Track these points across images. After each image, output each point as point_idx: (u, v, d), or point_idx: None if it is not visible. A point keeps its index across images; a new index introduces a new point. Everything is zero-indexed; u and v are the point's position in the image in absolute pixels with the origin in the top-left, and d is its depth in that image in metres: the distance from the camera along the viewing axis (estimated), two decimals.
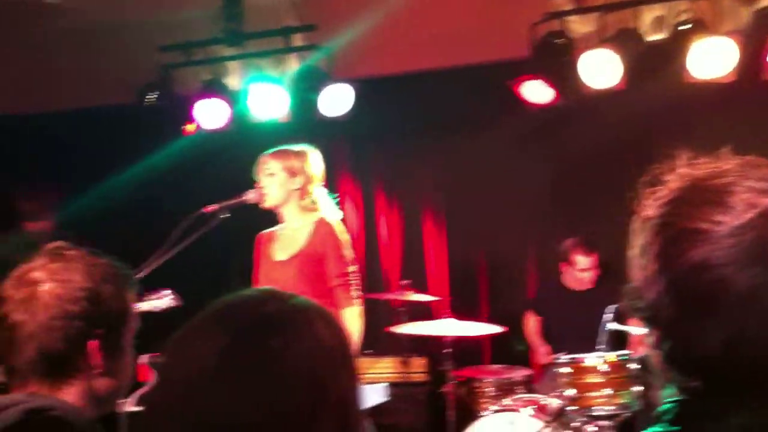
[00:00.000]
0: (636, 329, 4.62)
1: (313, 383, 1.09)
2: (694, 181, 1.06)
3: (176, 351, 1.13)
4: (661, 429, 1.07)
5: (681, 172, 1.08)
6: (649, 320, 1.09)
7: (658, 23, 5.31)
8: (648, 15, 5.34)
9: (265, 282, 4.34)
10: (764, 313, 0.99)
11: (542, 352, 5.51)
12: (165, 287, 4.56)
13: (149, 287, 4.44)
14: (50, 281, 1.72)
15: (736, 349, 1.00)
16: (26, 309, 1.71)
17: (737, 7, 5.13)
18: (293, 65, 5.87)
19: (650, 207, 1.08)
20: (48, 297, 1.71)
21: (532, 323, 5.69)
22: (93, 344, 1.73)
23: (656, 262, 1.05)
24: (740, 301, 0.99)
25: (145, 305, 4.51)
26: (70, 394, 1.72)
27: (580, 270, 5.35)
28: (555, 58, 5.32)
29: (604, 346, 4.54)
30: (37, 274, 1.74)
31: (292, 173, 4.28)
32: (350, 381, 1.15)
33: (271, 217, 4.39)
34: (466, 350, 5.51)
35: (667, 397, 1.09)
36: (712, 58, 4.96)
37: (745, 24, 5.05)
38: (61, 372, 1.72)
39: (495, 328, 4.94)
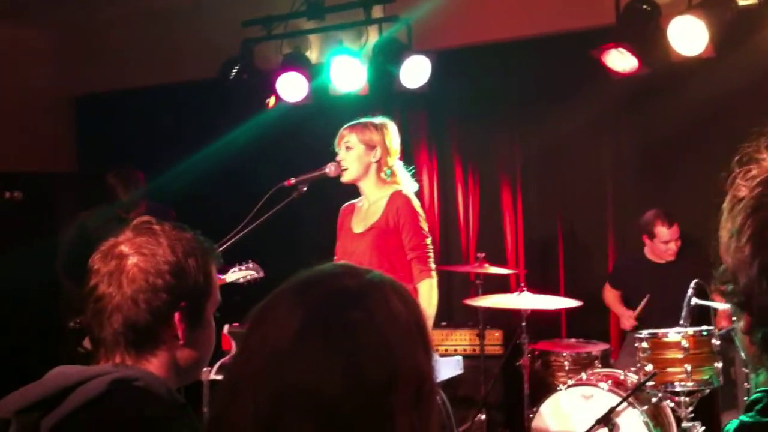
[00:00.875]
0: (720, 304, 4.46)
1: (389, 355, 1.12)
2: None
3: (257, 322, 1.16)
4: (750, 419, 1.03)
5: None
6: (741, 305, 1.04)
7: None
8: None
9: (343, 254, 4.39)
10: None
11: (627, 316, 5.37)
12: (249, 259, 4.67)
13: (234, 259, 4.56)
14: (136, 254, 1.77)
15: None
16: (113, 281, 1.76)
17: None
18: (373, 37, 5.86)
19: (743, 187, 1.02)
20: (134, 270, 1.76)
21: (612, 295, 5.57)
22: (177, 316, 1.78)
23: (750, 245, 1.00)
24: None
25: (230, 276, 4.64)
26: (154, 365, 1.77)
27: (663, 242, 5.22)
28: (641, 26, 5.16)
29: (684, 322, 4.40)
30: (123, 248, 1.79)
31: (371, 146, 4.30)
32: (425, 354, 1.17)
33: (352, 190, 4.42)
34: (542, 324, 5.45)
35: (760, 385, 1.04)
36: None
37: None
38: (146, 343, 1.77)
39: (571, 302, 4.86)
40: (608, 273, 5.73)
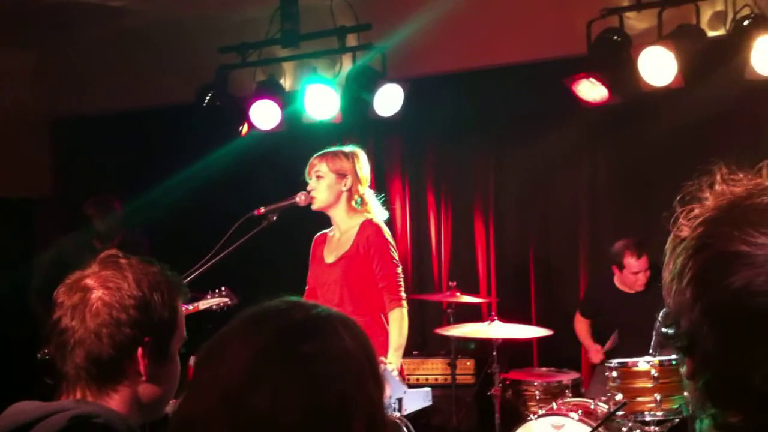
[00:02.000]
0: None
1: (343, 386, 1.13)
2: (734, 200, 0.99)
3: (206, 360, 1.16)
4: None
5: (719, 189, 1.01)
6: (683, 349, 1.01)
7: (718, 19, 5.16)
8: (708, 11, 5.19)
9: (315, 283, 4.40)
10: None
11: (594, 350, 5.40)
12: (221, 286, 4.65)
13: (206, 286, 4.53)
14: (101, 288, 1.76)
15: None
16: (76, 315, 1.75)
17: None
18: (347, 65, 5.89)
19: (684, 227, 1.00)
20: (98, 304, 1.74)
21: (582, 324, 5.58)
22: (140, 351, 1.76)
23: (691, 287, 0.97)
24: None
25: (203, 304, 4.61)
26: (116, 401, 1.75)
27: (632, 273, 5.23)
28: (612, 56, 5.21)
29: (653, 351, 4.41)
30: (88, 281, 1.78)
31: (341, 175, 4.30)
32: (375, 386, 1.18)
33: (323, 219, 4.43)
34: (514, 353, 5.45)
35: (702, 431, 1.01)
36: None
37: None
38: (109, 379, 1.75)
39: (543, 331, 4.86)
40: (579, 300, 5.74)
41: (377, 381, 1.19)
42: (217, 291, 4.67)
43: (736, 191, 0.99)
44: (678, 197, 1.02)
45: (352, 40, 5.88)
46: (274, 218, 4.15)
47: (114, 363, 1.74)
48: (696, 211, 1.00)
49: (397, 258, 4.28)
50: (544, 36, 5.61)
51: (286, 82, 6.20)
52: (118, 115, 6.83)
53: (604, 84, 5.24)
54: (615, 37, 5.21)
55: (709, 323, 0.96)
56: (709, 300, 0.96)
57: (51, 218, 7.25)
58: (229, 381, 1.11)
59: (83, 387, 1.75)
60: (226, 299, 4.68)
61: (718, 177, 1.01)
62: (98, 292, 1.75)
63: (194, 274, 3.93)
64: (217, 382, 1.12)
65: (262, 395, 1.09)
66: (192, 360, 3.87)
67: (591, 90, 5.31)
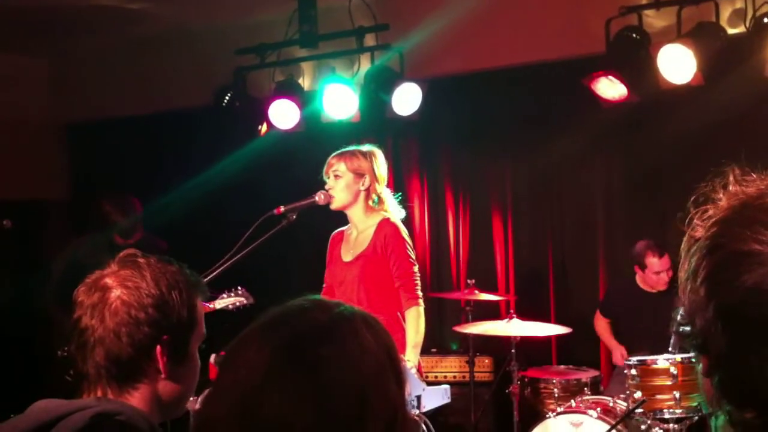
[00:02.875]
0: None
1: (361, 388, 1.14)
2: (746, 200, 0.99)
3: (228, 362, 1.18)
4: None
5: (732, 190, 1.01)
6: (697, 347, 1.02)
7: (738, 16, 5.12)
8: (727, 8, 5.16)
9: (332, 282, 4.42)
10: None
11: (618, 353, 5.37)
12: (238, 286, 4.67)
13: (223, 286, 4.56)
14: (120, 287, 1.77)
15: None
16: (95, 314, 1.76)
17: None
18: (365, 66, 5.91)
19: (699, 227, 1.01)
20: (117, 303, 1.76)
21: (603, 324, 5.56)
22: (159, 350, 1.77)
23: (705, 287, 0.98)
24: None
25: (219, 303, 4.63)
26: (136, 399, 1.77)
27: (654, 273, 5.23)
28: (631, 54, 5.19)
29: (673, 349, 4.40)
30: (107, 281, 1.79)
31: (359, 174, 4.32)
32: (397, 386, 1.19)
33: (342, 218, 4.45)
34: (532, 351, 5.44)
35: (719, 429, 1.02)
36: None
37: None
38: (128, 377, 1.77)
39: (561, 329, 4.85)
40: (599, 301, 5.73)
41: (399, 379, 1.20)
42: (233, 290, 4.69)
43: (749, 191, 1.00)
44: (692, 198, 1.03)
45: (370, 41, 5.89)
46: (294, 217, 4.17)
47: (133, 362, 1.75)
48: (710, 212, 1.01)
49: (413, 257, 4.29)
50: (563, 35, 5.59)
51: (305, 83, 6.23)
52: (134, 119, 6.88)
53: (622, 82, 5.21)
54: (634, 35, 5.17)
55: (721, 322, 0.96)
56: (721, 299, 0.96)
57: (65, 221, 7.31)
58: (247, 383, 1.13)
59: (104, 386, 1.77)
60: (242, 299, 4.70)
61: (732, 177, 1.01)
62: (117, 291, 1.76)
63: (213, 274, 3.96)
64: (236, 384, 1.14)
65: (273, 399, 1.10)
66: (213, 358, 3.87)
67: (610, 88, 5.29)
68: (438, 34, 5.63)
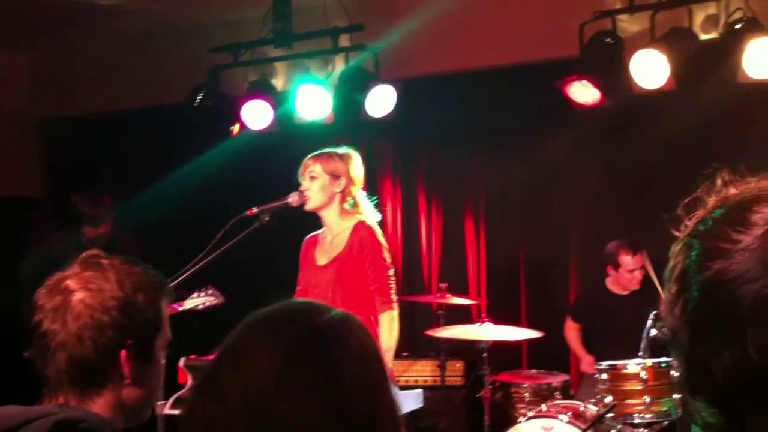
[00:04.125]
0: None
1: (371, 388, 1.15)
2: (725, 200, 1.02)
3: (229, 366, 1.15)
4: None
5: (718, 192, 1.03)
6: (671, 346, 1.02)
7: (711, 22, 5.16)
8: (700, 13, 5.19)
9: (306, 285, 4.38)
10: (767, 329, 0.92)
11: (586, 361, 5.39)
12: (208, 285, 4.62)
13: (194, 285, 4.51)
14: (82, 290, 1.72)
15: (746, 372, 0.93)
16: (58, 318, 1.71)
17: None
18: (339, 66, 5.88)
19: (683, 229, 1.03)
20: (79, 306, 1.71)
21: (573, 329, 5.57)
22: (124, 354, 1.73)
23: (676, 284, 1.00)
24: (749, 316, 0.92)
25: (189, 303, 4.58)
26: (100, 405, 1.72)
27: (627, 271, 5.25)
28: (604, 58, 5.21)
29: (643, 353, 4.42)
30: (69, 283, 1.74)
31: (335, 176, 4.29)
32: (390, 385, 1.21)
33: (315, 220, 4.41)
34: (504, 354, 5.44)
35: None
36: (766, 58, 4.79)
37: None
38: (92, 382, 1.72)
39: (533, 333, 4.85)
40: (570, 304, 5.74)
41: (390, 380, 1.22)
42: (203, 290, 4.64)
43: (730, 193, 1.02)
44: (684, 200, 1.04)
45: (344, 41, 5.86)
46: (267, 219, 4.14)
47: (97, 366, 1.71)
48: (699, 213, 1.03)
49: (389, 260, 4.27)
50: (537, 38, 5.60)
51: (279, 82, 6.19)
52: (109, 116, 6.81)
53: (596, 86, 5.23)
54: (608, 40, 5.20)
55: (685, 316, 0.98)
56: (687, 295, 0.98)
57: (39, 218, 7.22)
58: (255, 385, 1.11)
59: (66, 392, 1.72)
60: (212, 298, 4.66)
61: (719, 181, 1.03)
62: (79, 294, 1.72)
63: (185, 275, 3.91)
64: (241, 385, 1.12)
65: (289, 400, 1.10)
66: (182, 361, 3.81)
67: (583, 92, 5.31)
68: (413, 35, 5.62)
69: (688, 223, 1.02)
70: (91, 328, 1.70)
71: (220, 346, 1.18)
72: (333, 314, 1.20)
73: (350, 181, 4.30)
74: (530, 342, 5.56)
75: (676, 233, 1.02)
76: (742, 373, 0.93)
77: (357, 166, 4.35)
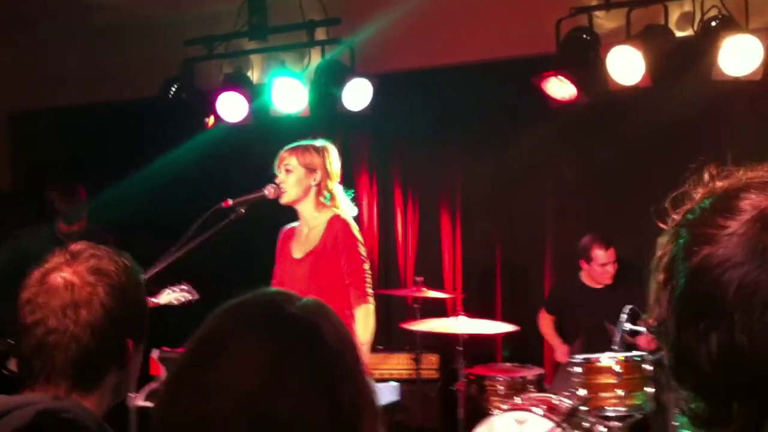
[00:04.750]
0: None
1: (357, 377, 1.16)
2: (712, 191, 1.03)
3: (211, 358, 1.12)
4: None
5: (705, 185, 1.04)
6: (659, 336, 1.02)
7: (686, 19, 5.20)
8: (676, 11, 5.23)
9: (282, 279, 4.35)
10: (755, 314, 0.92)
11: (561, 351, 5.41)
12: (182, 280, 4.57)
13: (167, 281, 4.46)
14: (70, 282, 1.71)
15: (732, 358, 0.93)
16: (69, 314, 1.69)
17: (766, 3, 4.99)
18: (315, 59, 5.85)
19: (671, 221, 1.04)
20: (91, 300, 1.70)
21: (547, 322, 5.60)
22: (131, 344, 1.75)
23: (663, 273, 1.01)
24: (735, 301, 0.93)
25: (163, 298, 4.53)
26: (98, 396, 1.72)
27: (600, 265, 5.27)
28: (580, 54, 5.24)
29: (617, 347, 4.44)
30: (56, 276, 1.72)
31: (311, 169, 4.26)
32: (366, 375, 1.21)
33: (290, 213, 4.39)
34: (480, 348, 5.45)
35: (684, 427, 1.02)
36: (739, 56, 4.85)
37: None
38: (95, 374, 1.72)
39: (508, 327, 4.86)
40: (544, 298, 5.76)
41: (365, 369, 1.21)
42: (177, 286, 4.60)
43: (718, 185, 1.02)
44: (671, 194, 1.05)
45: (320, 34, 5.85)
46: (242, 211, 4.11)
47: (104, 358, 1.71)
48: (687, 205, 1.04)
49: (364, 254, 4.25)
50: (514, 34, 5.62)
51: (254, 75, 6.14)
52: (82, 109, 6.73)
53: (572, 82, 5.27)
54: (584, 36, 5.24)
55: (672, 304, 0.98)
56: (674, 282, 0.99)
57: (10, 213, 7.11)
58: (247, 382, 1.09)
59: (65, 385, 1.70)
60: (187, 294, 4.61)
61: (706, 174, 1.04)
62: (87, 288, 1.70)
63: (160, 268, 3.87)
64: (233, 383, 1.09)
65: (286, 395, 1.09)
66: (155, 354, 3.79)
67: (559, 88, 5.34)
68: (389, 29, 5.60)
69: (676, 215, 1.02)
70: (103, 319, 1.69)
71: (193, 339, 1.15)
72: (306, 302, 1.19)
73: (326, 174, 4.28)
74: (505, 336, 5.58)
75: (663, 226, 1.03)
76: (729, 359, 0.92)
77: (333, 160, 4.33)
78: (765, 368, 0.91)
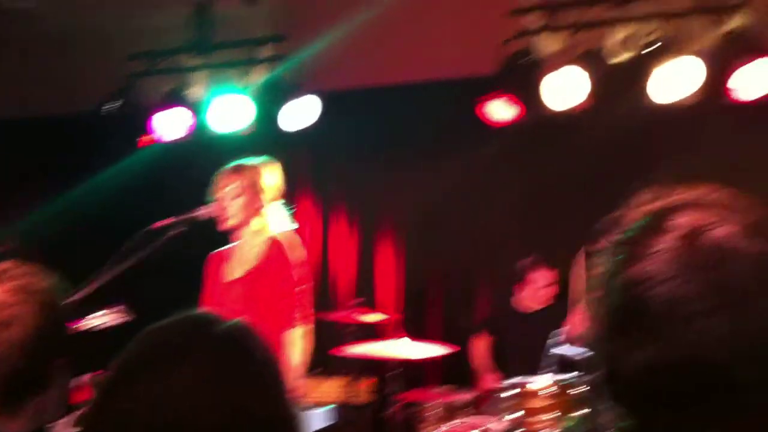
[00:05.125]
0: (579, 352, 4.53)
1: (283, 390, 1.15)
2: (647, 210, 1.06)
3: (130, 390, 1.10)
4: None
5: (642, 204, 1.07)
6: (593, 352, 1.04)
7: (626, 43, 5.26)
8: (617, 35, 5.29)
9: (211, 302, 4.27)
10: (680, 328, 0.94)
11: (490, 378, 5.39)
12: (115, 303, 4.48)
13: (98, 303, 4.37)
14: (18, 304, 1.68)
15: (660, 372, 0.95)
16: None
17: (705, 28, 5.06)
18: (260, 77, 5.81)
19: (608, 240, 1.07)
20: (22, 319, 1.67)
21: (480, 346, 5.58)
22: (59, 363, 1.73)
23: (598, 291, 1.04)
24: (663, 315, 0.95)
25: (92, 321, 4.43)
26: (23, 418, 1.68)
27: (539, 287, 5.27)
28: (522, 77, 5.30)
29: (550, 369, 4.44)
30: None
31: (248, 190, 4.20)
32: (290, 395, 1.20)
33: (221, 235, 4.30)
34: (417, 371, 5.42)
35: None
36: (676, 80, 4.97)
37: (712, 46, 4.97)
38: (13, 395, 1.67)
39: (445, 350, 4.84)
40: (477, 323, 5.74)
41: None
42: (108, 307, 4.51)
43: (653, 205, 1.05)
44: (609, 215, 1.08)
45: (265, 51, 5.81)
46: (175, 233, 4.04)
47: (24, 381, 1.68)
48: (622, 225, 1.06)
49: (301, 276, 4.20)
50: (458, 55, 5.65)
51: (197, 92, 6.07)
52: (23, 122, 6.61)
53: (513, 104, 5.33)
54: (526, 59, 5.31)
55: (604, 321, 1.02)
56: (606, 299, 1.02)
57: None
58: (180, 404, 1.07)
59: None
60: (117, 316, 4.52)
61: (642, 195, 1.07)
62: (2, 306, 1.67)
63: (88, 290, 3.80)
64: (164, 403, 1.08)
65: (214, 413, 1.07)
66: (88, 378, 3.68)
67: (501, 110, 5.40)
68: (334, 48, 5.59)
69: (613, 235, 1.05)
70: (32, 339, 1.66)
71: (112, 365, 1.13)
72: (230, 325, 1.17)
73: (264, 194, 4.22)
74: (440, 359, 5.55)
75: (601, 245, 1.05)
76: (656, 372, 0.95)
77: (274, 177, 4.27)
78: (690, 381, 0.94)
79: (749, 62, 4.85)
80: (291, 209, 4.39)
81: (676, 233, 0.98)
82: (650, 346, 0.95)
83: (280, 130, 5.65)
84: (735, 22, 4.95)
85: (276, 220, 4.28)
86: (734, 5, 4.94)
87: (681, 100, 5.00)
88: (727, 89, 4.91)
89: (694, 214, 1.00)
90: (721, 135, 5.29)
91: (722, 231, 0.98)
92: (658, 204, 1.05)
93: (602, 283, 1.02)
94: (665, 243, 0.98)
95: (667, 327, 0.94)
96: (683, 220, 1.00)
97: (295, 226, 4.36)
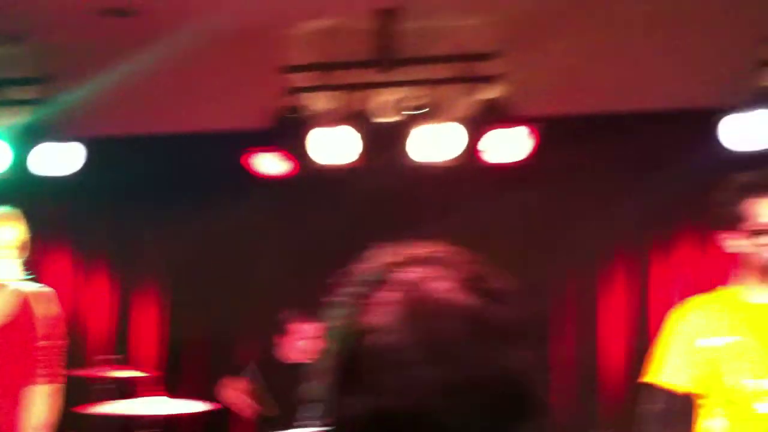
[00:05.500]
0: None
1: None
2: (376, 267, 1.08)
3: None
4: None
5: (373, 259, 1.09)
6: (324, 405, 1.04)
7: (392, 106, 5.52)
8: (382, 97, 5.53)
9: None
10: (395, 377, 0.96)
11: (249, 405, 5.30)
12: None
13: None
14: None
15: (378, 422, 0.96)
16: None
17: (464, 96, 5.40)
18: (18, 118, 5.52)
19: (342, 294, 1.07)
20: None
21: (238, 387, 5.48)
22: None
23: (329, 342, 1.04)
24: (378, 365, 0.97)
25: None
26: None
27: (301, 338, 5.28)
28: (292, 133, 5.43)
29: (303, 422, 4.45)
30: None
31: (25, 242, 4.04)
32: None
33: None
34: (182, 428, 5.26)
35: None
36: (437, 142, 5.25)
37: (469, 112, 5.31)
38: None
39: (208, 406, 4.73)
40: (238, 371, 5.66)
41: None
42: None
43: (385, 260, 1.07)
44: (343, 269, 1.08)
45: (27, 92, 5.54)
46: None
47: None
48: (354, 279, 1.08)
49: (50, 333, 4.02)
50: (229, 108, 5.66)
51: None
52: None
53: (283, 159, 5.44)
54: (296, 115, 5.46)
55: (329, 373, 1.02)
56: (334, 350, 1.03)
57: None
58: None
59: None
60: None
61: (377, 250, 1.09)
62: None
63: None
64: None
65: None
66: None
67: (271, 164, 5.48)
68: (102, 94, 5.44)
69: (346, 288, 1.06)
70: None
71: None
72: None
73: (11, 245, 4.03)
74: (205, 415, 5.41)
75: (335, 298, 1.06)
76: (374, 421, 0.96)
77: (11, 231, 4.07)
78: (405, 429, 0.96)
79: (500, 128, 5.22)
80: (28, 266, 4.16)
81: (397, 286, 1.03)
82: (368, 395, 0.97)
83: (38, 177, 5.37)
84: (491, 92, 5.32)
85: (26, 275, 4.07)
86: (491, 76, 5.30)
87: (442, 162, 5.30)
88: (478, 152, 5.26)
89: (417, 269, 1.05)
90: (473, 195, 5.63)
91: (440, 285, 1.03)
92: (387, 259, 1.09)
93: (331, 336, 1.05)
94: (387, 296, 1.02)
95: (383, 376, 0.97)
96: (406, 275, 1.04)
97: (34, 282, 4.15)
